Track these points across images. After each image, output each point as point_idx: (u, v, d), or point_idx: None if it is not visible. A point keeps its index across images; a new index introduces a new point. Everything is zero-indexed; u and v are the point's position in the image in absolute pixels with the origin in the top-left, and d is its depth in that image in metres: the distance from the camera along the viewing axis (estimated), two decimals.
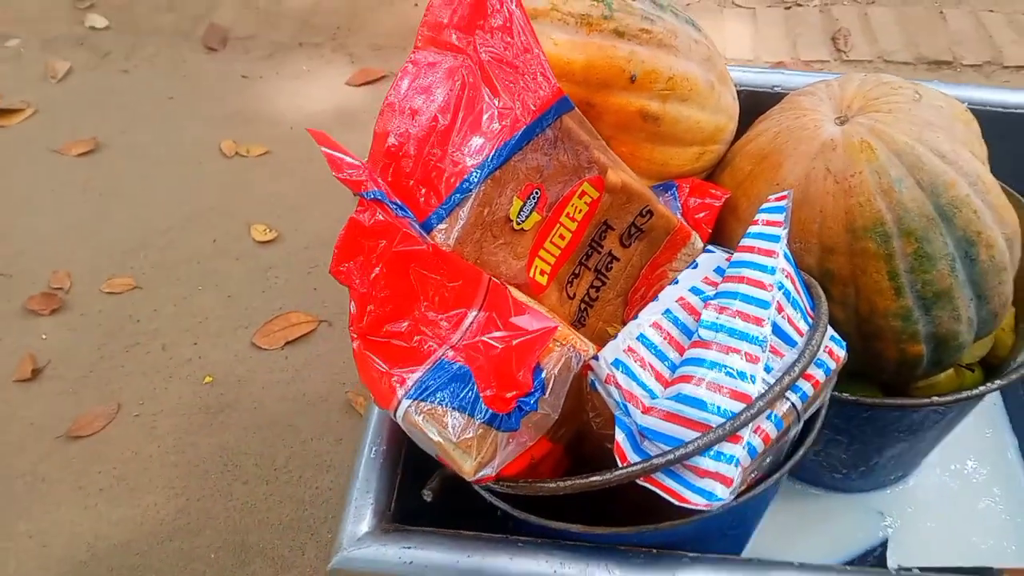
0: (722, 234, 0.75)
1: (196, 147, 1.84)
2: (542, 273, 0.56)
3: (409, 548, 0.53)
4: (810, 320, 0.53)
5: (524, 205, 0.52)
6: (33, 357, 1.44)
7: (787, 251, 0.55)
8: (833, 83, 0.74)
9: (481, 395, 0.45)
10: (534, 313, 0.47)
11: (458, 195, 0.50)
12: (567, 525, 0.53)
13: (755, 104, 0.88)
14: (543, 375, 0.46)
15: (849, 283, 0.67)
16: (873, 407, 0.70)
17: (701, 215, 0.71)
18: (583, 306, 0.60)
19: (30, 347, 1.46)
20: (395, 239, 0.49)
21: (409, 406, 0.49)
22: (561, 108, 0.51)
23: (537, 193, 0.53)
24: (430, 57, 0.54)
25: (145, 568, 1.15)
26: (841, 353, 0.53)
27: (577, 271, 0.59)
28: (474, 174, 0.50)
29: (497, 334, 0.46)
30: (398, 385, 0.50)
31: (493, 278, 0.50)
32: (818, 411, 0.57)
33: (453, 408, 0.48)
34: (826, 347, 0.52)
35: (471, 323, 0.48)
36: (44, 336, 1.49)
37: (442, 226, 0.51)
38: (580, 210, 0.56)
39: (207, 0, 2.21)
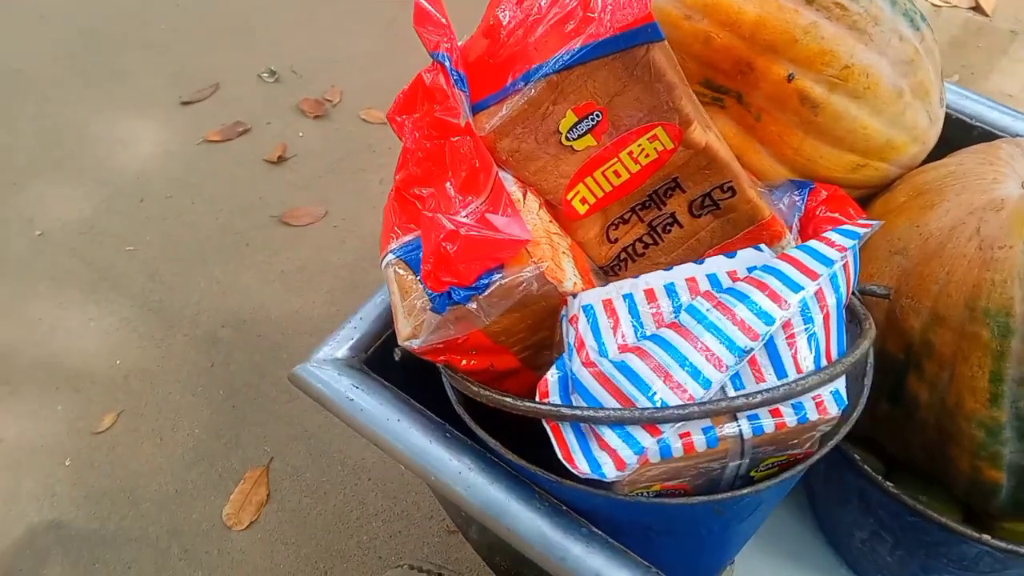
0: None
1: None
2: (583, 201, 0.54)
3: (357, 388, 0.57)
4: (822, 364, 0.47)
5: (579, 123, 0.50)
6: (284, 146, 1.65)
7: (840, 284, 0.48)
8: None
9: (421, 267, 0.46)
10: (517, 220, 0.46)
11: (512, 88, 0.50)
12: (496, 444, 0.53)
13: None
14: (492, 278, 0.46)
15: (946, 365, 0.57)
16: (916, 513, 0.60)
17: (823, 229, 0.63)
18: (624, 255, 0.57)
19: (287, 138, 1.68)
20: (441, 104, 0.50)
21: (391, 260, 0.51)
22: (645, 35, 0.47)
23: (597, 116, 0.50)
24: None
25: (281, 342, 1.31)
26: (834, 410, 0.46)
27: (627, 216, 0.56)
28: (530, 73, 0.49)
29: (465, 218, 0.46)
30: (393, 238, 0.52)
31: (501, 173, 0.49)
32: (796, 461, 0.50)
33: (416, 275, 0.49)
34: (816, 394, 0.46)
35: (474, 209, 0.49)
36: (301, 134, 1.70)
37: (488, 111, 0.51)
38: (647, 154, 0.53)
39: None
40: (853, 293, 0.53)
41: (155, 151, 1.68)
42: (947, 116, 0.75)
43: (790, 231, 0.63)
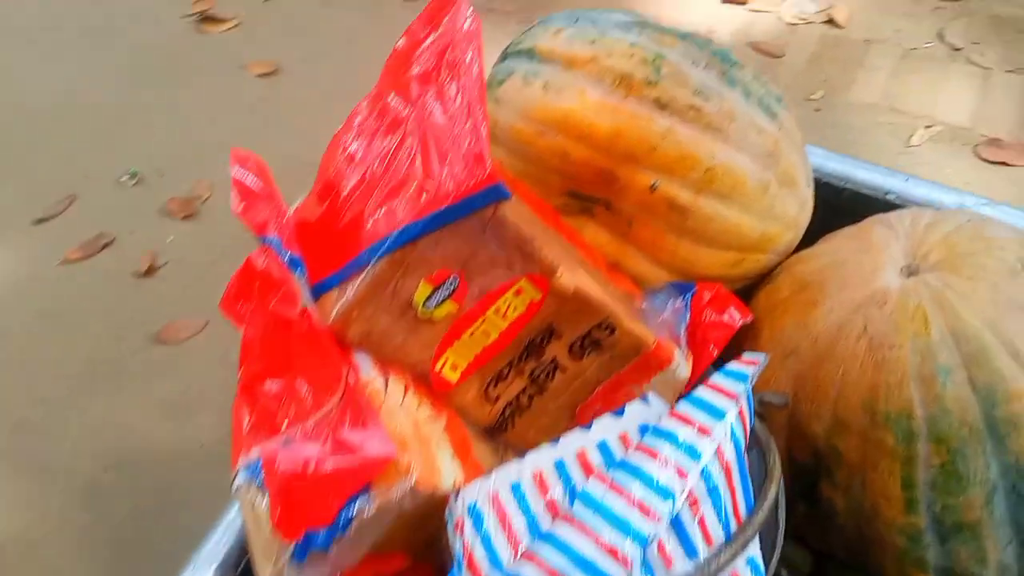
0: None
1: (365, 90, 1.88)
2: (453, 368, 0.49)
3: None
4: (733, 527, 0.43)
5: (435, 292, 0.46)
6: (153, 255, 1.55)
7: (737, 431, 0.44)
8: (923, 217, 0.59)
9: (270, 512, 0.40)
10: (376, 431, 0.40)
11: (352, 268, 0.44)
12: None
13: (865, 209, 0.75)
14: (355, 507, 0.40)
15: (856, 472, 0.54)
16: None
17: (712, 334, 0.61)
18: (509, 412, 0.53)
19: (155, 245, 1.58)
20: (275, 295, 0.44)
21: (241, 483, 0.45)
22: (492, 196, 0.43)
23: (454, 281, 0.46)
24: (385, 98, 0.48)
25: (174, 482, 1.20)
26: None
27: (506, 373, 0.51)
28: (371, 251, 0.43)
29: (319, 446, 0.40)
30: (243, 453, 0.46)
31: (359, 355, 0.44)
32: None
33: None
34: (732, 570, 0.42)
35: (327, 414, 0.43)
36: (171, 239, 1.59)
37: (332, 295, 0.45)
38: (515, 308, 0.48)
39: None
40: (755, 412, 0.50)
41: (7, 280, 1.54)
42: (816, 180, 0.74)
43: (679, 342, 0.59)
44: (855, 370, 0.53)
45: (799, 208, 0.63)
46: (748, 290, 0.66)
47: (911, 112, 1.74)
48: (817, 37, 1.93)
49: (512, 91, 0.59)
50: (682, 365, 0.56)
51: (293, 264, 0.45)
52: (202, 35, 2.03)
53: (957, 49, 1.88)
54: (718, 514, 0.42)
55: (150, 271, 1.52)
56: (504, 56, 0.62)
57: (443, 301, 0.46)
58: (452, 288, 0.46)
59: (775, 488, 0.45)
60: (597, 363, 0.53)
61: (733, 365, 0.48)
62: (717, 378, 0.46)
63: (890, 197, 0.73)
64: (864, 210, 0.73)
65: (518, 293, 0.48)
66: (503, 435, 0.54)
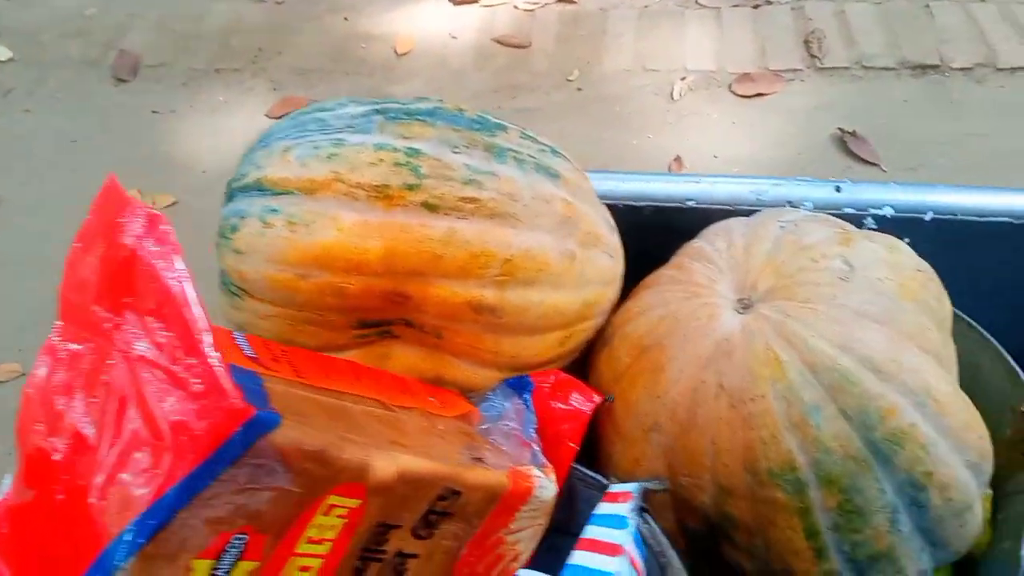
0: (598, 448, 0.57)
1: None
2: None
3: None
4: None
5: (219, 561, 0.35)
6: None
7: (638, 531, 0.38)
8: (735, 238, 0.55)
9: None
10: None
11: None
12: None
13: (665, 223, 0.71)
14: None
15: (756, 533, 0.50)
16: None
17: (565, 426, 0.54)
18: None
19: None
20: None
21: None
22: (253, 431, 0.33)
23: (240, 539, 0.35)
24: (70, 339, 0.36)
25: None
26: None
27: None
28: (113, 549, 0.32)
29: None
30: None
31: None
32: None
33: None
34: None
35: None
36: None
37: None
38: (332, 527, 0.39)
39: (117, 24, 2.00)
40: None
41: None
42: (613, 207, 0.69)
43: (531, 451, 0.52)
44: (724, 433, 0.48)
45: (611, 260, 0.57)
46: (583, 365, 0.60)
47: (664, 68, 1.78)
48: (556, 17, 1.93)
49: (252, 238, 0.49)
50: (545, 485, 0.49)
51: None
52: None
53: None
54: None
55: None
56: (230, 195, 0.51)
57: (235, 563, 0.36)
58: (240, 548, 0.35)
59: None
60: (453, 530, 0.45)
61: (603, 508, 0.41)
62: (592, 531, 0.39)
63: (690, 204, 0.69)
64: (669, 221, 0.70)
65: (328, 512, 0.38)
66: None
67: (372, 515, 0.40)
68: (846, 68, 1.71)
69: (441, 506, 0.43)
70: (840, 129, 1.59)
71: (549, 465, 0.51)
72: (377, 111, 0.53)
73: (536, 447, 0.53)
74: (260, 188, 0.49)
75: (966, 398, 0.50)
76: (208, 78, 1.88)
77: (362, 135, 0.50)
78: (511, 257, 0.50)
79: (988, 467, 0.51)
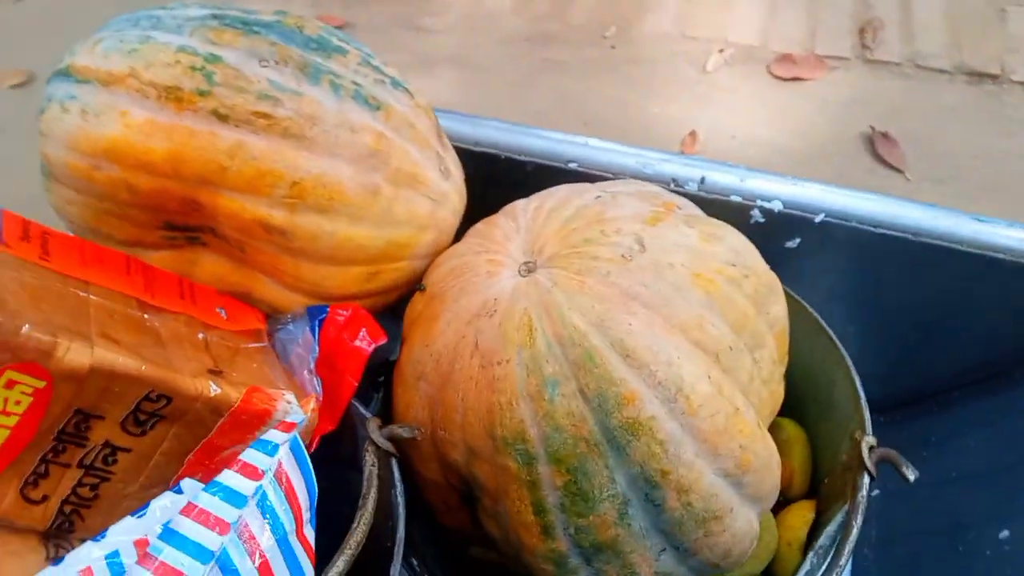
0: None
1: None
2: None
3: None
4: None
5: None
6: None
7: (277, 510, 0.37)
8: (549, 200, 0.53)
9: None
10: None
11: None
12: None
13: (548, 180, 0.68)
14: None
15: (498, 500, 0.49)
16: None
17: (348, 363, 0.54)
18: (68, 509, 0.45)
19: None
20: None
21: None
22: None
23: None
24: None
25: None
26: None
27: (44, 470, 0.43)
28: None
29: None
30: None
31: None
32: None
33: None
34: None
35: None
36: None
37: None
38: (18, 401, 0.40)
39: None
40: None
41: None
42: (496, 156, 0.68)
43: (305, 379, 0.52)
44: (472, 393, 0.47)
45: (433, 204, 0.56)
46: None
47: (704, 37, 1.70)
48: None
49: (52, 121, 0.49)
50: (290, 411, 0.49)
51: None
52: None
53: None
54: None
55: None
56: (49, 78, 0.52)
57: None
58: None
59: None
60: (173, 432, 0.46)
61: (270, 434, 0.41)
62: (248, 454, 0.39)
63: (572, 166, 0.67)
64: (551, 183, 0.68)
65: (10, 386, 0.39)
66: (71, 535, 0.46)
67: (63, 400, 0.41)
68: (897, 64, 1.60)
69: (149, 407, 0.44)
70: (872, 127, 1.49)
71: (312, 396, 0.51)
72: (215, 16, 0.53)
73: (309, 376, 0.53)
74: (67, 74, 0.50)
75: (740, 405, 0.47)
76: None
77: (172, 35, 0.50)
78: (299, 180, 0.49)
79: (754, 481, 0.48)
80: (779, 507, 0.61)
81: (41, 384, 0.40)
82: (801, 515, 0.60)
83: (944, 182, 1.43)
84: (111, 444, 0.44)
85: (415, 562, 0.55)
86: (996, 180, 1.41)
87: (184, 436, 0.46)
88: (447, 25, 1.76)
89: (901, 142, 1.47)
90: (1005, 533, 0.62)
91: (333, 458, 0.54)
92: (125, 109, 0.48)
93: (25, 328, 0.39)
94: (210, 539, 0.36)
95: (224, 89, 0.48)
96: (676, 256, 0.48)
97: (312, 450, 0.51)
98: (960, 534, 0.65)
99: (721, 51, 1.67)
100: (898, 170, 1.44)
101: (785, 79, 1.61)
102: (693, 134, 1.53)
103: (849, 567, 0.72)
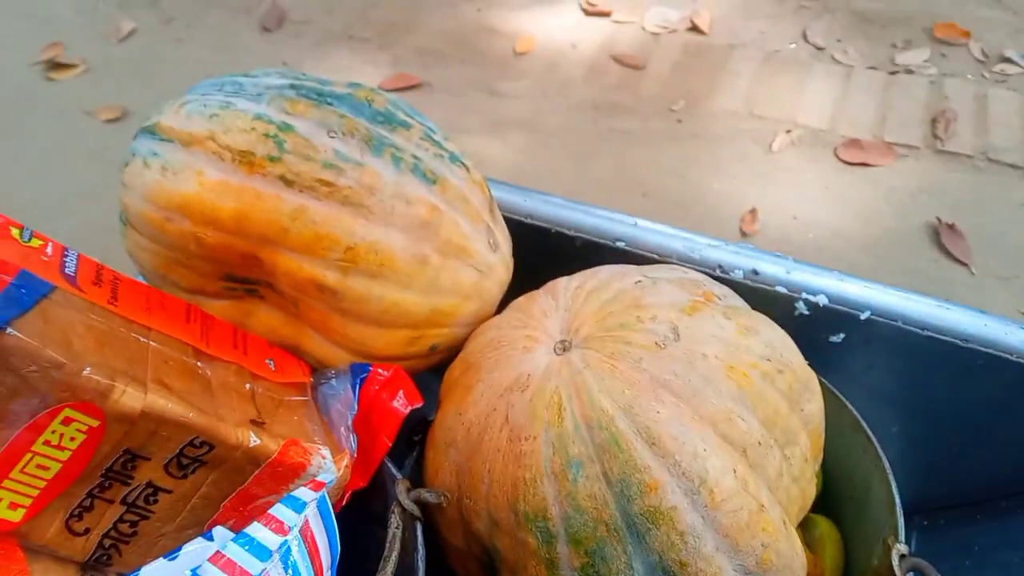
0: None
1: None
2: (13, 507, 0.43)
3: None
4: None
5: None
6: None
7: (299, 567, 0.39)
8: (590, 281, 0.54)
9: None
10: None
11: None
12: None
13: (596, 256, 0.70)
14: None
15: (516, 572, 0.49)
16: None
17: (383, 423, 0.55)
18: (108, 543, 0.47)
19: None
20: None
21: None
22: None
23: None
24: None
25: None
26: None
27: (89, 504, 0.46)
28: None
29: None
30: None
31: None
32: None
33: None
34: None
35: None
36: None
37: None
38: (72, 438, 0.43)
39: None
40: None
41: None
42: (547, 231, 0.70)
43: (342, 436, 0.54)
44: (499, 465, 0.48)
45: (478, 275, 0.58)
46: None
47: (772, 117, 1.72)
48: (680, 45, 1.90)
49: (134, 174, 0.53)
50: (325, 466, 0.50)
51: None
52: (49, 82, 1.94)
53: (820, 48, 1.86)
54: None
55: None
56: (136, 134, 0.56)
57: None
58: None
59: None
60: (212, 478, 0.48)
61: (300, 491, 0.43)
62: (277, 509, 0.41)
63: (620, 245, 0.68)
64: (598, 260, 0.69)
65: (67, 423, 0.42)
66: (108, 567, 0.48)
67: (116, 438, 0.44)
68: (968, 156, 1.58)
69: (192, 453, 0.46)
70: (938, 219, 1.47)
71: (347, 452, 0.53)
72: (292, 86, 0.57)
73: (346, 432, 0.55)
74: (153, 132, 0.54)
75: (765, 502, 0.47)
76: (339, 42, 2.00)
77: (251, 103, 0.54)
78: (354, 245, 0.52)
79: (799, 566, 0.48)
80: None
81: (95, 423, 0.43)
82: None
83: (1010, 280, 1.39)
84: (153, 484, 0.47)
85: None
86: None
87: (222, 482, 0.48)
88: (521, 90, 1.81)
89: (968, 235, 1.45)
90: None
91: (362, 513, 0.56)
92: (201, 168, 0.52)
93: (87, 371, 0.42)
94: None
95: (293, 156, 0.52)
96: (710, 347, 0.48)
97: (342, 504, 0.53)
98: None
99: (788, 132, 1.67)
100: (963, 263, 1.41)
101: (852, 164, 1.61)
102: (753, 212, 1.53)
103: None
